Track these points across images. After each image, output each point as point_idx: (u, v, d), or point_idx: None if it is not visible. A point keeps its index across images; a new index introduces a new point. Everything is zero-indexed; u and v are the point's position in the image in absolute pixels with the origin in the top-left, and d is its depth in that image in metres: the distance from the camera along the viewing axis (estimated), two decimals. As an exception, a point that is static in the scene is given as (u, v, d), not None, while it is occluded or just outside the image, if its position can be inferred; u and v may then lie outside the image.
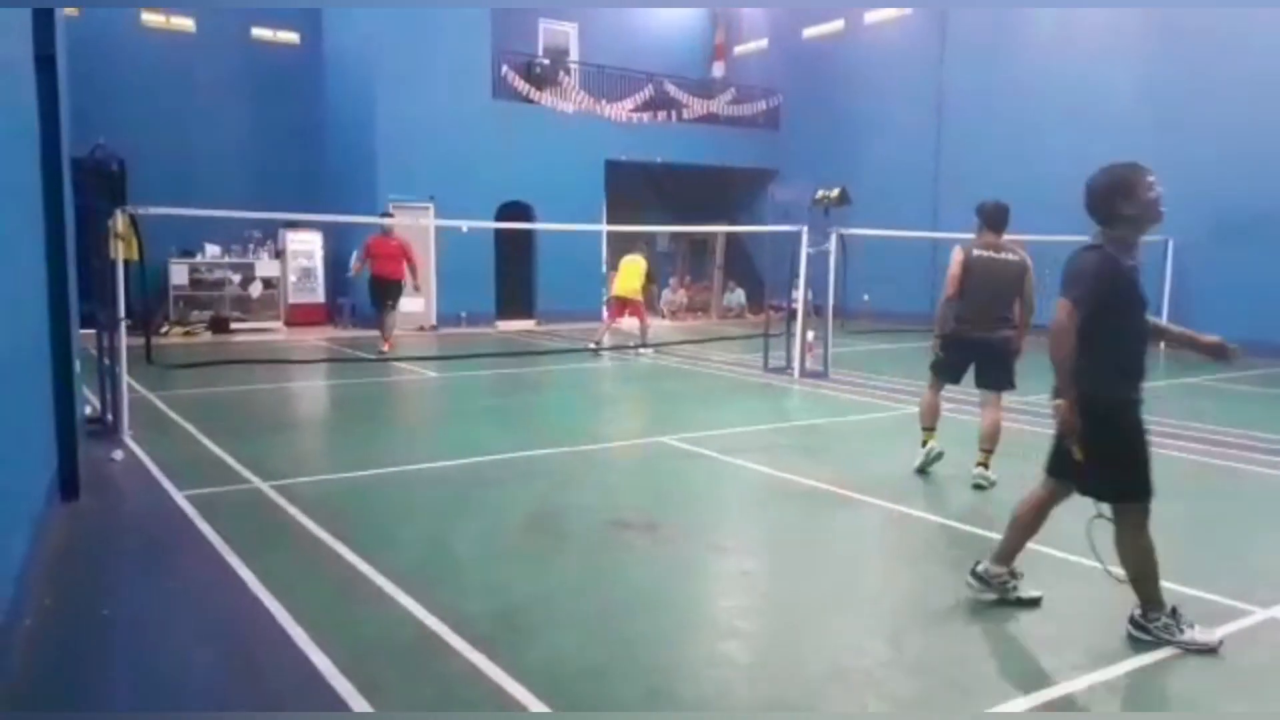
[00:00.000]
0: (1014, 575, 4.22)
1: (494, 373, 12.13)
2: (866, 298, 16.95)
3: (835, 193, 11.49)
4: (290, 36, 18.33)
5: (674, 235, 21.37)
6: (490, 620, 3.95)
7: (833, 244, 11.25)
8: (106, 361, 7.98)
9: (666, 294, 20.83)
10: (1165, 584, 3.82)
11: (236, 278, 16.68)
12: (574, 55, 20.80)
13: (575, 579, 4.62)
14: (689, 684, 3.47)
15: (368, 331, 14.48)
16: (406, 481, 6.55)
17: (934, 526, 5.58)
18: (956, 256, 6.28)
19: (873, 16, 19.65)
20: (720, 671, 3.61)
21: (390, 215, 14.69)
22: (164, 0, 16.94)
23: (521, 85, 18.26)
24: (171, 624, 4.01)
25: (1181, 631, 3.72)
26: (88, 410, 8.07)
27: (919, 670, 3.61)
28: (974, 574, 4.23)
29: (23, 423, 4.29)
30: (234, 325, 16.21)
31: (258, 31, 18.00)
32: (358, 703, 3.22)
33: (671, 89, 20.12)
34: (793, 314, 11.76)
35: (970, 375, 6.48)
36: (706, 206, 21.56)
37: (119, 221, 7.67)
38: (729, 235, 20.81)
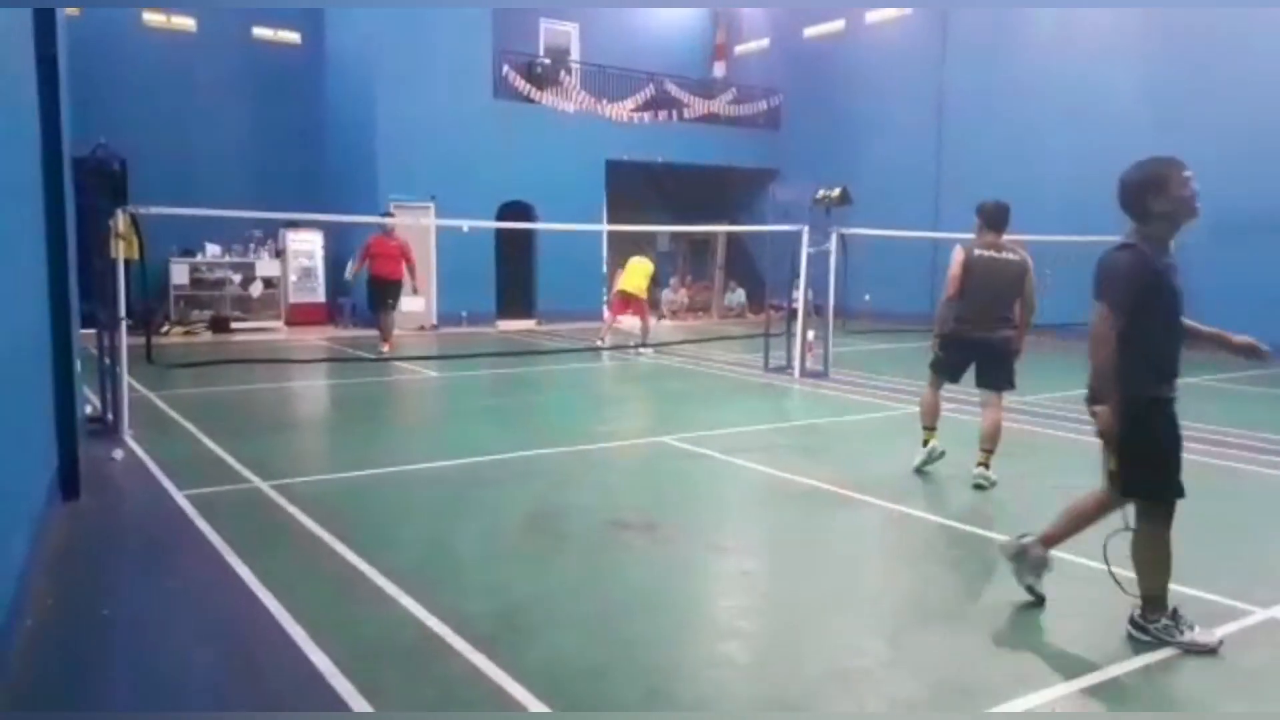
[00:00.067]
0: (1047, 565, 4.19)
1: (494, 372, 12.13)
2: (867, 297, 16.96)
3: (836, 192, 11.49)
4: (291, 36, 18.33)
5: (675, 235, 21.37)
6: (490, 620, 3.95)
7: (833, 244, 11.25)
8: (107, 361, 7.98)
9: (667, 294, 20.82)
10: (1165, 584, 3.82)
11: (237, 277, 16.68)
12: (575, 55, 20.79)
13: (575, 579, 4.62)
14: (689, 684, 3.47)
15: (368, 331, 14.48)
16: (406, 481, 6.55)
17: (934, 526, 5.58)
18: (957, 256, 6.27)
19: (873, 16, 19.65)
20: (720, 672, 3.61)
21: (391, 215, 14.69)
22: (165, 0, 16.93)
23: (522, 85, 18.26)
24: (172, 624, 4.01)
25: (1181, 633, 3.71)
26: (88, 409, 8.07)
27: (919, 670, 3.60)
28: (1019, 542, 4.21)
29: (23, 422, 4.29)
30: (234, 325, 16.21)
31: (258, 31, 18.00)
32: (357, 703, 3.22)
33: (672, 89, 20.12)
34: (793, 314, 11.76)
35: (970, 375, 6.48)
36: (707, 206, 21.56)
37: (120, 221, 7.67)
38: (730, 235, 20.82)
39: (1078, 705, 3.32)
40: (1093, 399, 3.73)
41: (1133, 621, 3.82)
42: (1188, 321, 3.86)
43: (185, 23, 17.30)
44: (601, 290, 19.05)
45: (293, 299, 17.20)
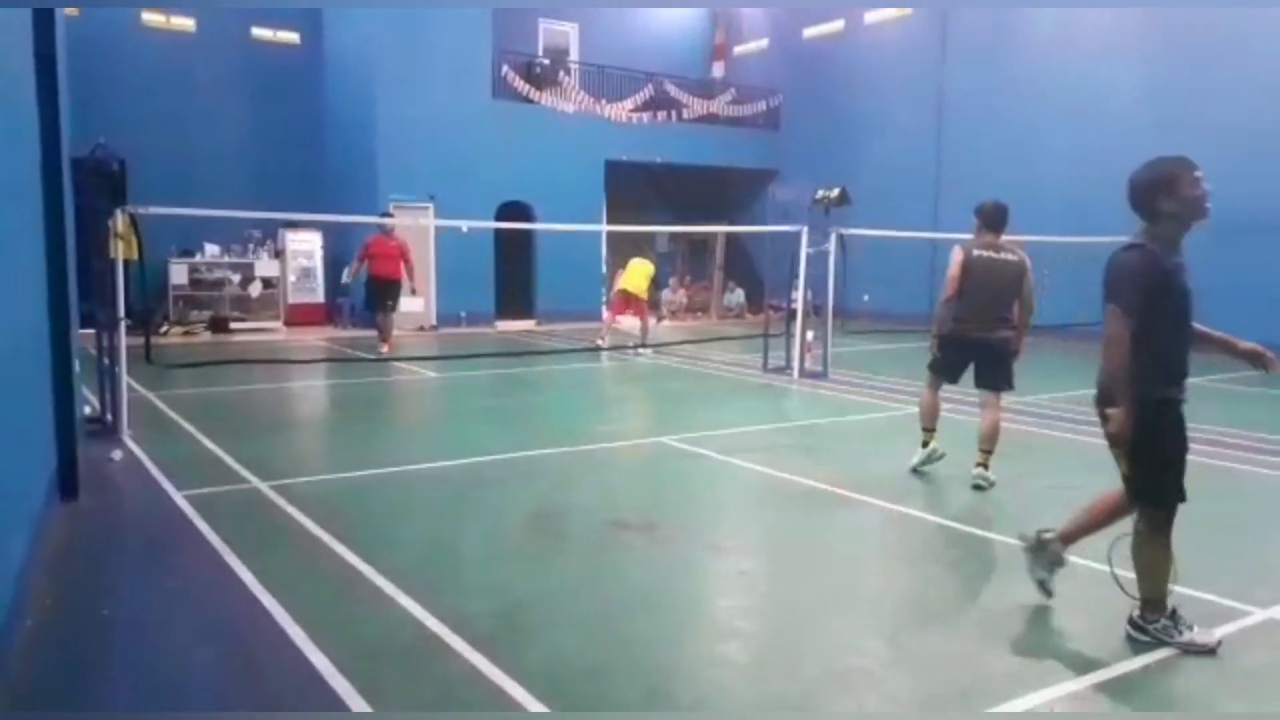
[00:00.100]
0: (1061, 562, 4.19)
1: (493, 373, 12.13)
2: (866, 298, 16.97)
3: (835, 193, 11.49)
4: (290, 36, 18.33)
5: (674, 235, 21.38)
6: (490, 620, 3.95)
7: (832, 244, 11.25)
8: (106, 361, 7.98)
9: (666, 294, 20.83)
10: (1164, 584, 3.82)
11: (236, 277, 16.67)
12: (574, 55, 20.80)
13: (575, 579, 4.62)
14: (688, 684, 3.47)
15: (367, 331, 14.47)
16: (406, 481, 6.55)
17: (933, 527, 5.58)
18: (956, 257, 6.28)
19: (873, 16, 19.65)
20: (720, 672, 3.62)
21: (391, 215, 14.69)
22: (164, 0, 16.93)
23: (521, 85, 18.26)
24: (171, 624, 4.01)
25: (1180, 633, 3.71)
26: (87, 410, 8.07)
27: (919, 670, 3.61)
28: (1040, 536, 4.20)
29: (22, 422, 4.29)
30: (233, 325, 16.20)
31: (258, 31, 18.00)
32: (357, 703, 3.22)
33: (671, 89, 20.12)
34: (792, 314, 11.76)
35: (969, 375, 6.48)
36: (706, 206, 21.56)
37: (119, 221, 7.67)
38: (729, 235, 20.82)
39: (1077, 705, 3.32)
40: (1104, 400, 3.71)
41: (1132, 622, 3.82)
42: (1197, 325, 3.82)
43: (184, 23, 17.30)
44: (600, 291, 19.06)
45: (292, 299, 17.19)
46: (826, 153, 19.49)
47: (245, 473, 6.46)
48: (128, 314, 7.85)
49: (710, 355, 13.63)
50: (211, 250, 16.62)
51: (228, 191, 15.17)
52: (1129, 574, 3.87)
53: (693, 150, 20.09)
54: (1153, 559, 3.75)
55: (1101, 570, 4.68)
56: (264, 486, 6.10)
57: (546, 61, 19.67)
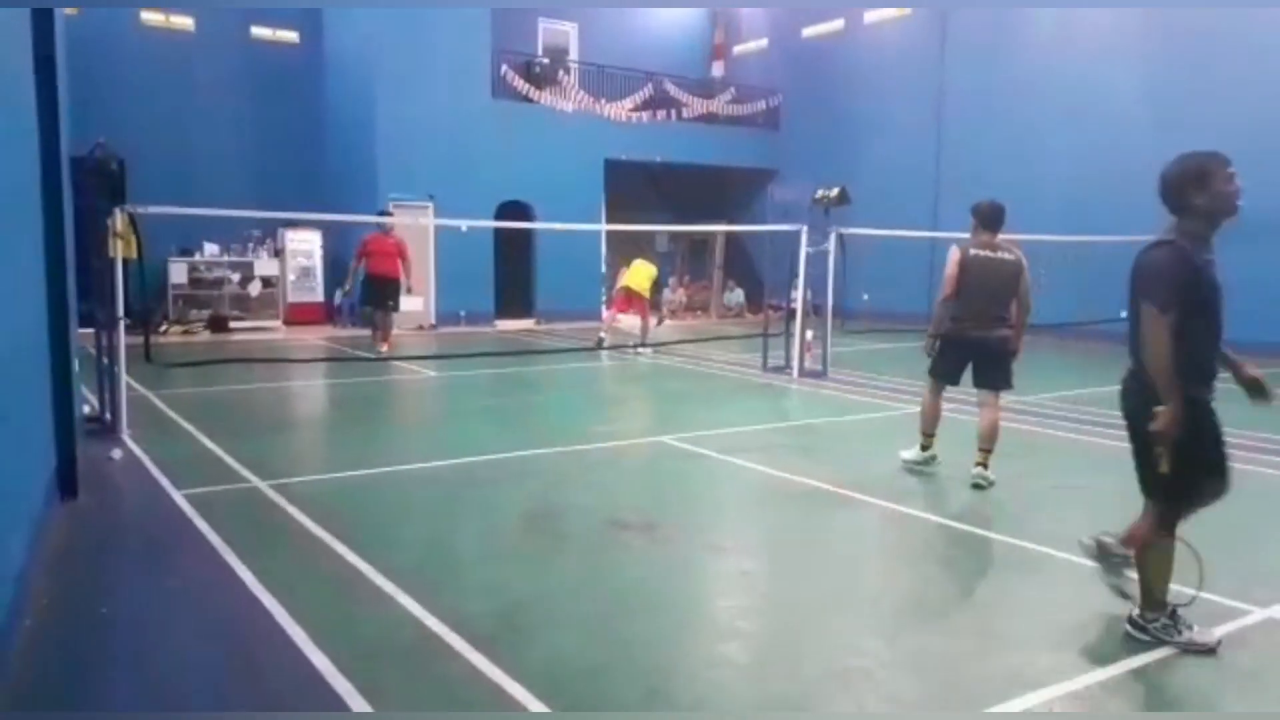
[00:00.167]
0: (1130, 563, 4.11)
1: (493, 372, 12.12)
2: (866, 297, 16.96)
3: (835, 192, 11.49)
4: (290, 36, 18.32)
5: (673, 235, 21.37)
6: (490, 620, 3.95)
7: (832, 244, 11.25)
8: (105, 360, 7.97)
9: (666, 293, 20.84)
10: (1164, 584, 3.82)
11: (235, 277, 16.66)
12: (573, 55, 20.80)
13: (575, 579, 4.61)
14: (688, 684, 3.47)
15: (367, 330, 14.45)
16: (405, 481, 6.54)
17: (933, 526, 5.58)
18: (953, 256, 6.30)
19: (873, 16, 19.65)
20: (720, 672, 3.61)
21: (390, 214, 14.67)
22: (164, 0, 16.92)
23: (521, 85, 18.26)
24: (171, 623, 4.00)
25: (1180, 633, 3.71)
26: (86, 409, 8.07)
27: (919, 670, 3.60)
28: (1100, 542, 4.18)
29: (21, 422, 4.29)
30: (233, 324, 16.19)
31: (257, 31, 17.99)
32: (357, 703, 3.22)
33: (671, 88, 20.12)
34: (792, 314, 11.76)
35: (968, 376, 6.49)
36: (706, 206, 21.57)
37: (118, 220, 7.67)
38: (728, 235, 20.82)
39: (1077, 705, 3.32)
40: (1127, 398, 3.70)
41: (1131, 621, 3.82)
42: None
43: (184, 22, 17.29)
44: (600, 290, 19.06)
45: (291, 298, 17.19)
46: (826, 152, 19.49)
47: (245, 472, 6.46)
48: (127, 313, 7.85)
49: (710, 355, 13.63)
50: (211, 249, 16.61)
51: (227, 191, 15.17)
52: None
53: (692, 150, 20.09)
54: (1158, 558, 3.74)
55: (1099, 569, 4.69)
56: (263, 486, 6.10)
57: (546, 61, 19.67)
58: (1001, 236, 6.38)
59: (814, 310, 11.66)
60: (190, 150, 16.78)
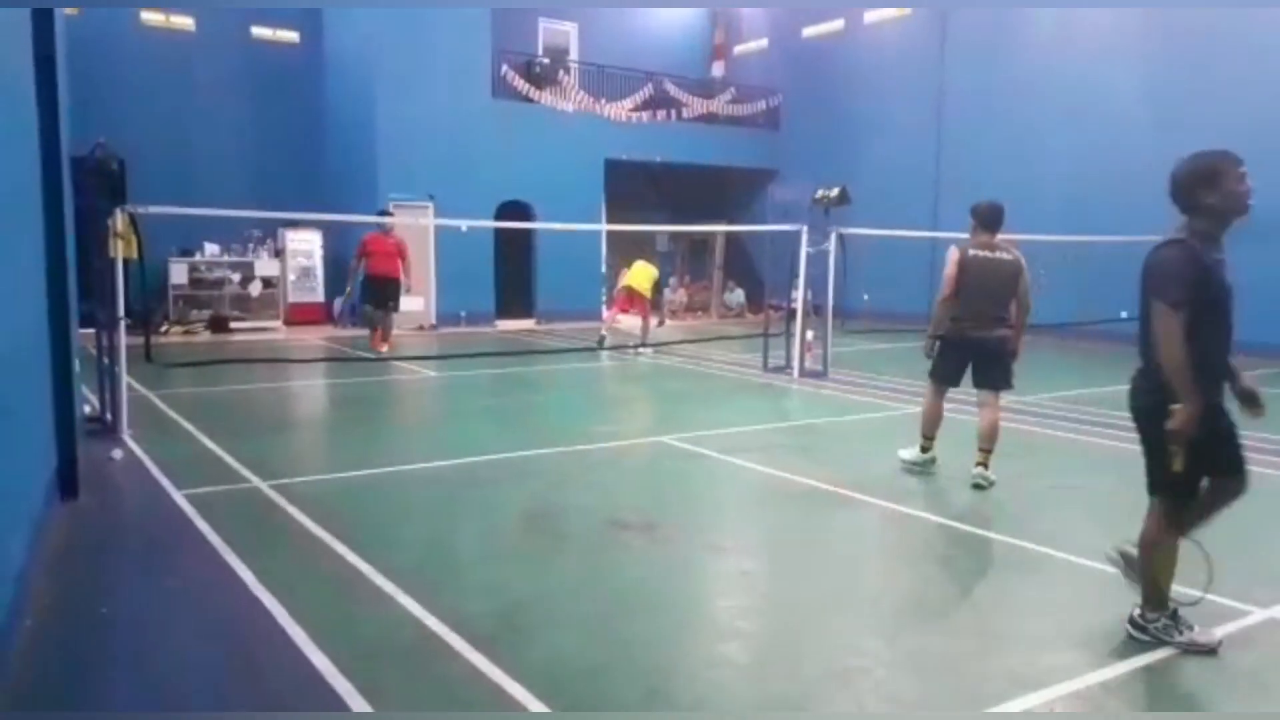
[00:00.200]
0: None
1: (493, 372, 12.12)
2: (866, 297, 16.96)
3: (835, 192, 11.48)
4: (290, 36, 18.31)
5: (673, 235, 21.37)
6: (490, 620, 3.95)
7: (832, 244, 11.25)
8: (106, 360, 7.97)
9: (666, 293, 20.83)
10: (1164, 584, 3.82)
11: (236, 277, 16.65)
12: (574, 55, 20.79)
13: (575, 579, 4.61)
14: (688, 684, 3.47)
15: (368, 331, 14.44)
16: (406, 481, 6.54)
17: (933, 527, 5.58)
18: (952, 256, 6.32)
19: (873, 16, 19.64)
20: (720, 672, 3.61)
21: (390, 214, 14.66)
22: (164, 0, 16.92)
23: (521, 85, 18.25)
24: (171, 624, 4.00)
25: (1181, 633, 3.71)
26: (87, 409, 8.07)
27: (919, 670, 3.61)
28: (1124, 552, 4.07)
29: (22, 421, 4.29)
30: (233, 324, 16.19)
31: (258, 31, 17.98)
32: (357, 703, 3.22)
33: (671, 88, 20.11)
34: (792, 314, 11.75)
35: (967, 376, 6.49)
36: (706, 206, 21.56)
37: (119, 220, 7.66)
38: (729, 235, 20.81)
39: (1077, 705, 3.32)
40: (1136, 397, 3.71)
41: (1132, 621, 3.82)
42: None
43: (184, 22, 17.28)
44: (600, 290, 19.06)
45: (292, 299, 17.18)
46: (826, 152, 19.48)
47: (245, 472, 6.46)
48: (127, 313, 7.85)
49: (710, 355, 13.63)
50: (211, 250, 16.60)
51: (227, 191, 15.16)
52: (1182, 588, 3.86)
53: (692, 150, 20.08)
54: (1162, 557, 3.73)
55: (1100, 570, 4.69)
56: (264, 486, 6.10)
57: (546, 61, 19.66)
58: (1000, 237, 6.39)
59: (814, 310, 11.66)
60: (191, 150, 16.78)
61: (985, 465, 6.27)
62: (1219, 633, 3.78)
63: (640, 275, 13.80)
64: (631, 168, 19.61)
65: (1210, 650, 3.67)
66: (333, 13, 17.93)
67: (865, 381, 11.10)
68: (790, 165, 20.75)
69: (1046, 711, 3.26)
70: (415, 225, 15.82)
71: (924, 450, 6.66)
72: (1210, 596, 4.18)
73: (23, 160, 4.72)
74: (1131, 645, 3.76)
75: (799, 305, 11.47)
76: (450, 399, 10.74)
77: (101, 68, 15.15)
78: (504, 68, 18.02)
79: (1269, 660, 3.74)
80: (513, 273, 18.36)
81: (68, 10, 10.14)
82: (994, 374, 6.33)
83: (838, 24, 20.38)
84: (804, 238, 11.47)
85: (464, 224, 15.33)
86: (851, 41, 20.14)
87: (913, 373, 9.47)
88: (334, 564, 4.65)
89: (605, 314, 16.67)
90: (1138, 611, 3.81)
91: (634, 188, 20.11)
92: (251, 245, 16.99)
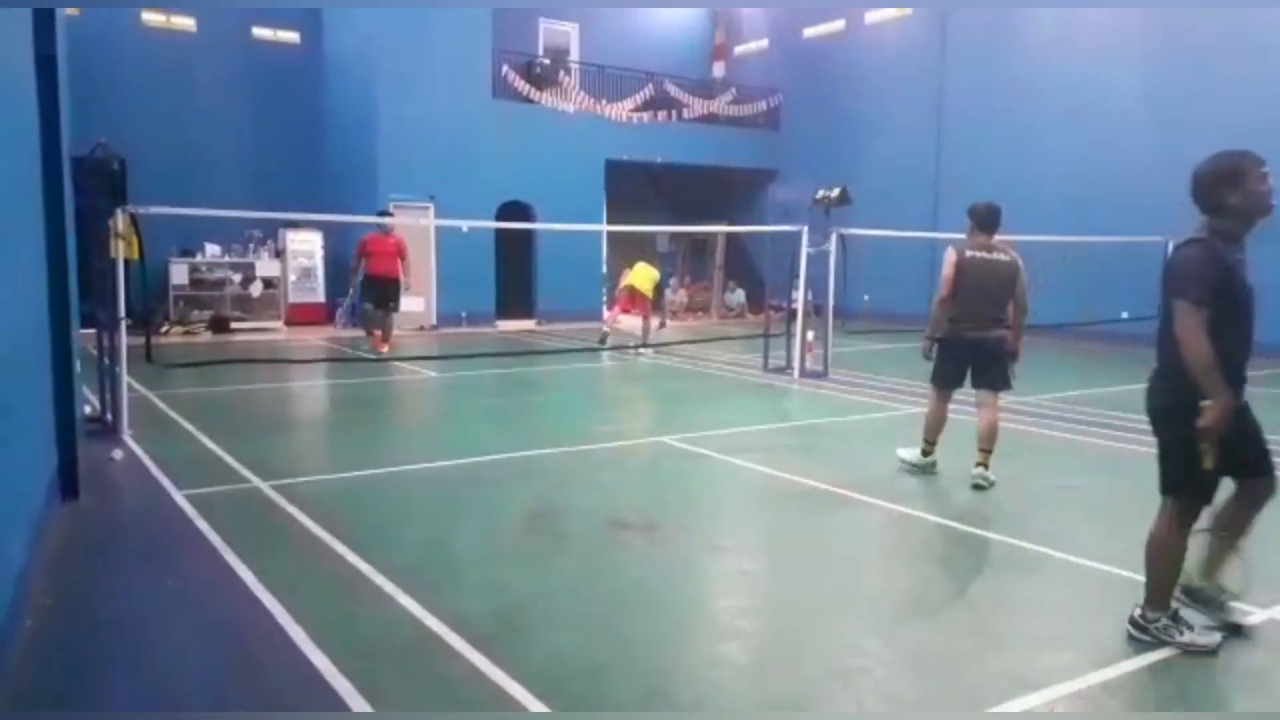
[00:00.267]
0: (1224, 593, 3.95)
1: (494, 372, 12.13)
2: (866, 298, 16.95)
3: (835, 193, 11.49)
4: (290, 36, 18.32)
5: (674, 235, 21.37)
6: (490, 620, 3.95)
7: (833, 244, 11.25)
8: (106, 361, 7.98)
9: (667, 294, 20.82)
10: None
11: (237, 277, 16.66)
12: (574, 55, 20.79)
13: (575, 579, 4.61)
14: (688, 684, 3.47)
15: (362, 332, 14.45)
16: (406, 481, 6.55)
17: (933, 527, 5.58)
18: (950, 258, 6.35)
19: (873, 16, 19.64)
20: (720, 672, 3.62)
21: (390, 214, 14.66)
22: (164, 0, 16.93)
23: (522, 85, 18.26)
24: (171, 624, 4.01)
25: (1181, 633, 3.71)
26: (87, 409, 8.07)
27: (919, 670, 3.61)
28: (1186, 589, 3.91)
29: (22, 422, 4.29)
30: (234, 325, 16.19)
31: (258, 31, 17.98)
32: (357, 703, 3.22)
33: (672, 89, 20.11)
34: (793, 314, 11.76)
35: (967, 377, 6.51)
36: (707, 206, 21.56)
37: (119, 221, 7.67)
38: (729, 235, 20.81)
39: (1077, 705, 3.32)
40: (1153, 397, 3.69)
41: (1133, 621, 3.81)
42: None
43: (185, 23, 17.29)
44: (601, 290, 19.06)
45: (292, 299, 17.18)
46: (826, 153, 19.48)
47: (246, 472, 6.46)
48: (128, 314, 7.85)
49: (710, 355, 13.63)
50: (212, 250, 16.60)
51: (228, 191, 15.18)
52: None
53: (693, 150, 20.08)
54: (1169, 556, 3.72)
55: (1099, 570, 4.70)
56: (264, 486, 6.10)
57: (547, 61, 19.67)
58: (998, 238, 6.41)
59: (815, 311, 11.66)
60: (191, 150, 16.78)
61: (985, 465, 6.27)
62: (1219, 634, 3.78)
63: (642, 276, 13.85)
64: (632, 168, 19.62)
65: (1211, 651, 3.67)
66: (333, 13, 17.94)
67: (865, 382, 11.10)
68: (791, 166, 20.74)
69: (1046, 712, 3.26)
70: (416, 226, 15.82)
71: (925, 454, 6.66)
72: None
73: (23, 160, 4.72)
74: (1132, 645, 3.75)
75: (799, 305, 11.47)
76: (451, 399, 10.74)
77: (102, 68, 15.16)
78: (504, 68, 18.02)
79: (1269, 661, 3.74)
80: (513, 273, 18.36)
81: (68, 10, 10.14)
82: (992, 374, 6.34)
83: (838, 24, 20.38)
84: (804, 238, 11.48)
85: (464, 224, 15.34)
86: (852, 42, 20.14)
87: (913, 373, 9.47)
88: (334, 564, 4.65)
89: (606, 314, 16.68)
90: (1138, 612, 3.81)
91: (634, 188, 20.11)
92: (252, 246, 17.00)
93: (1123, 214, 14.48)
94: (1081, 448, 7.72)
